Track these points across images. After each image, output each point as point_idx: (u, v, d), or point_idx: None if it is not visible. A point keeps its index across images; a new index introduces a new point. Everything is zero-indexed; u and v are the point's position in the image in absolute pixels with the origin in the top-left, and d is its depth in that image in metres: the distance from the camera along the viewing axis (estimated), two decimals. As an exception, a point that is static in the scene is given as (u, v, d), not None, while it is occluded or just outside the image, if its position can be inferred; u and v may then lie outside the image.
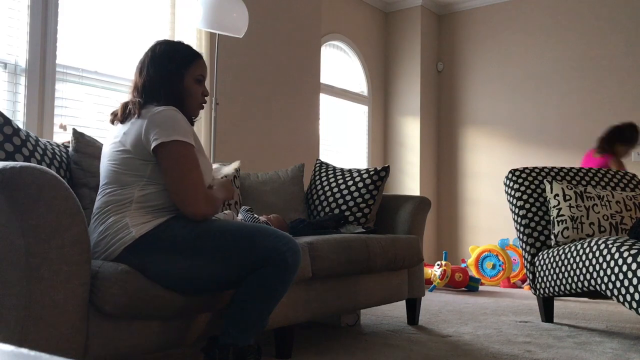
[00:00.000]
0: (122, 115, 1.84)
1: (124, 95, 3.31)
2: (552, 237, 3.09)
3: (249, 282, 1.74)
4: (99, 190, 1.85)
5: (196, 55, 1.93)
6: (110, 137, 1.86)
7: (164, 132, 1.73)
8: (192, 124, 1.96)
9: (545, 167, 3.42)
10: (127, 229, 1.70)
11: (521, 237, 3.25)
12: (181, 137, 1.74)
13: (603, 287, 2.52)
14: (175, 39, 3.53)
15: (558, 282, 2.88)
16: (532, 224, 3.22)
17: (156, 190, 1.77)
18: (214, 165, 1.99)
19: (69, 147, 2.26)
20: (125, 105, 1.86)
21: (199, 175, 1.77)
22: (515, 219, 3.29)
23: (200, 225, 1.75)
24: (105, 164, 1.84)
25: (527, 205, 3.26)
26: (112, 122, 1.89)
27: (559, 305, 3.68)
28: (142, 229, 1.70)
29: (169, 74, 1.86)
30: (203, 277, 1.74)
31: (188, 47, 1.95)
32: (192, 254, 1.72)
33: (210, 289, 1.80)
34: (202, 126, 3.62)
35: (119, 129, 1.84)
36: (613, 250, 2.48)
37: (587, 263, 2.63)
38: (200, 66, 1.93)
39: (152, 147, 1.73)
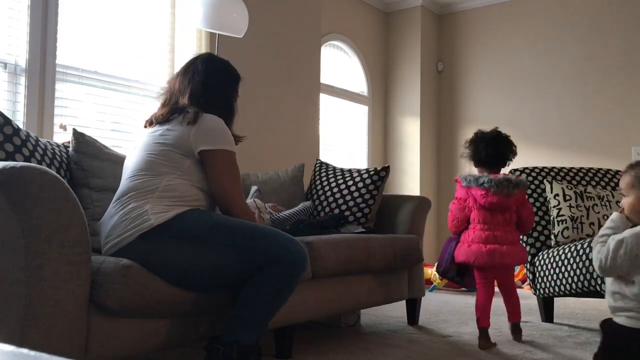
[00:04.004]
0: (166, 117, 1.95)
1: (124, 95, 3.31)
2: (552, 237, 3.09)
3: (256, 280, 1.76)
4: (124, 178, 1.91)
5: (240, 76, 2.17)
6: (144, 135, 1.96)
7: (215, 140, 1.90)
8: None
9: (545, 167, 3.42)
10: (146, 215, 1.74)
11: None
12: (229, 147, 1.94)
13: (603, 287, 2.51)
14: (175, 39, 3.56)
15: (558, 282, 2.87)
16: (532, 224, 3.22)
17: (183, 182, 1.84)
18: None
19: (69, 147, 2.27)
20: (171, 110, 1.96)
21: (240, 179, 2.02)
22: (515, 219, 3.29)
23: (215, 218, 1.81)
24: (138, 155, 1.91)
25: (527, 205, 3.26)
26: (148, 125, 2.01)
27: (559, 305, 3.68)
28: (161, 218, 1.74)
29: (228, 89, 2.10)
30: (206, 271, 1.75)
31: (233, 67, 2.18)
32: (201, 244, 1.75)
33: (212, 285, 1.81)
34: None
35: (157, 127, 1.95)
36: (613, 250, 2.48)
37: (587, 263, 2.63)
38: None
39: (199, 149, 1.87)
